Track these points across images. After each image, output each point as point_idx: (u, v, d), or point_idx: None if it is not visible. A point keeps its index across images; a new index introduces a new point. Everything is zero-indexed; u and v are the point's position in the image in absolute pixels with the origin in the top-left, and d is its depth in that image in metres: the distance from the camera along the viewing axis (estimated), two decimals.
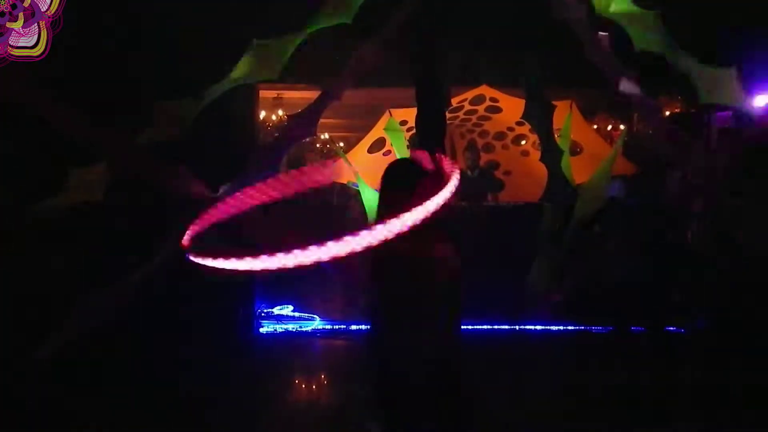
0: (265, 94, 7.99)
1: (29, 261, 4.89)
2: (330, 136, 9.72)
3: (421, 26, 5.05)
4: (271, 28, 4.79)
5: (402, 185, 2.74)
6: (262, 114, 8.43)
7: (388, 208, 2.61)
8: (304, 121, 5.16)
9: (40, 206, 4.53)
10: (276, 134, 7.62)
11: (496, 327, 6.44)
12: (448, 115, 5.99)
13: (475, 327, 6.31)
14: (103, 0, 5.05)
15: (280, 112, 8.83)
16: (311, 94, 5.33)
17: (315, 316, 6.70)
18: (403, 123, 7.19)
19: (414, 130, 5.85)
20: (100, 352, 4.50)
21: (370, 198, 5.68)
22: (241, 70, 4.76)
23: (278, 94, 8.63)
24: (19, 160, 4.94)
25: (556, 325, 6.47)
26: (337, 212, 6.96)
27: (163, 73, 5.15)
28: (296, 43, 4.79)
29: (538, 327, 6.48)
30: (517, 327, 6.49)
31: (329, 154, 9.72)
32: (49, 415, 4.07)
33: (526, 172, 7.84)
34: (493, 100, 7.73)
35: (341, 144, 9.45)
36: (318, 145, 9.91)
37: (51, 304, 4.46)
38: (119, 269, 4.53)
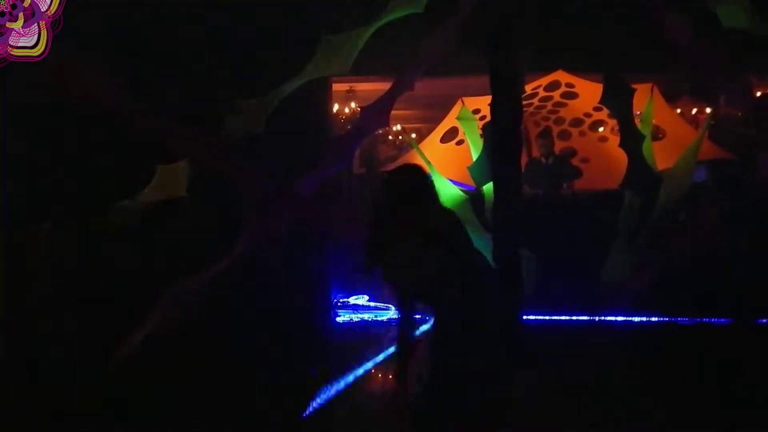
0: (338, 87, 8.04)
1: (111, 258, 5.08)
2: (402, 127, 9.70)
3: (493, 12, 4.96)
4: (342, 21, 4.81)
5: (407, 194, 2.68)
6: (335, 107, 8.49)
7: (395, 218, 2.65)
8: (377, 112, 5.16)
9: (126, 203, 4.71)
10: (349, 127, 7.67)
11: (574, 318, 6.29)
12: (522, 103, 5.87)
13: (553, 318, 6.18)
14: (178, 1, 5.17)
15: (353, 105, 8.87)
16: (383, 86, 5.33)
17: (390, 306, 6.73)
18: (476, 111, 7.10)
19: (487, 119, 5.75)
20: (178, 344, 4.60)
21: (443, 188, 5.65)
22: (314, 65, 4.81)
23: (350, 87, 8.67)
24: (100, 159, 5.13)
25: (638, 316, 6.25)
26: None
27: (240, 70, 5.25)
28: (367, 34, 4.80)
29: (619, 318, 6.28)
30: (596, 318, 6.31)
31: (401, 146, 9.70)
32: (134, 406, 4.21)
33: (604, 159, 7.59)
34: (569, 85, 7.52)
35: (413, 135, 9.43)
36: (390, 137, 9.91)
37: (133, 301, 4.58)
38: (199, 263, 4.64)
